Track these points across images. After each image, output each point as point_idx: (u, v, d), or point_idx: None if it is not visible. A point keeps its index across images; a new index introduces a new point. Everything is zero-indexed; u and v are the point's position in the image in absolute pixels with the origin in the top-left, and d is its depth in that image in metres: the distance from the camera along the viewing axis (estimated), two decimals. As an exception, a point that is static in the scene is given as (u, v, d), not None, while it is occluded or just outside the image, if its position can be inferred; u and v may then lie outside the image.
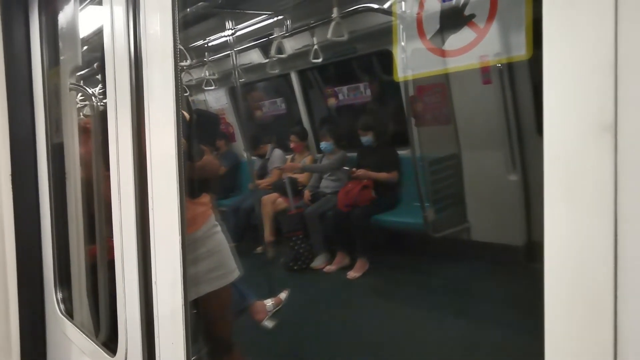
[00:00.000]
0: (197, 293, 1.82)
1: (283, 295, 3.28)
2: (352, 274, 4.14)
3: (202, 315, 1.90)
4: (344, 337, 3.09)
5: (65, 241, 1.98)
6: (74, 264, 1.98)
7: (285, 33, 4.73)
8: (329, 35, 4.00)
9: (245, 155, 6.06)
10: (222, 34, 4.94)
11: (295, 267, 4.48)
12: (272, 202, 5.00)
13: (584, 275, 0.54)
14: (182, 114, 1.18)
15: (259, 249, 4.83)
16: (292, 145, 5.38)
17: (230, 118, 6.62)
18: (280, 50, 4.87)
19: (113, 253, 1.49)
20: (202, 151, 2.00)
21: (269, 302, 3.15)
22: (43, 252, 2.02)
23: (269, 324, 3.05)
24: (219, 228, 1.99)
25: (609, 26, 0.49)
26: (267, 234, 4.85)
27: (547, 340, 0.57)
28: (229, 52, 5.10)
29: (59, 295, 1.96)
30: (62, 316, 1.92)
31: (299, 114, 5.76)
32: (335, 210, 4.50)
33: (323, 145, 4.97)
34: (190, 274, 1.74)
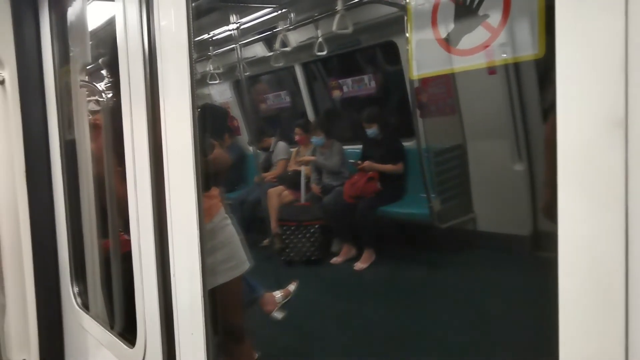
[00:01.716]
0: (210, 284, 1.86)
1: (292, 286, 3.32)
2: (359, 265, 4.18)
3: (215, 306, 1.94)
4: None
5: (80, 235, 2.02)
6: (89, 258, 2.02)
7: (290, 26, 4.73)
8: (333, 28, 3.99)
9: (250, 148, 6.08)
10: (227, 27, 4.94)
11: (283, 258, 4.51)
12: (277, 195, 5.03)
13: (596, 267, 0.56)
14: None
15: (266, 242, 4.87)
16: (296, 137, 5.40)
17: (235, 111, 6.63)
18: (284, 43, 4.87)
19: (126, 246, 1.52)
20: (212, 145, 2.04)
21: (278, 294, 3.19)
22: (58, 246, 2.06)
23: (278, 315, 3.09)
24: (229, 220, 2.04)
25: (620, 24, 0.51)
26: (274, 227, 4.88)
27: (561, 330, 0.59)
28: (233, 45, 5.10)
29: (75, 289, 2.00)
30: (79, 309, 1.96)
31: (304, 107, 5.77)
32: (342, 202, 4.53)
33: (314, 140, 5.02)
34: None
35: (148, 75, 1.32)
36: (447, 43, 0.74)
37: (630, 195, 0.53)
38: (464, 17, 0.71)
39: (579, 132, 0.56)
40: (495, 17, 0.68)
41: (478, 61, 0.75)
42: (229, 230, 2.02)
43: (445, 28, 0.74)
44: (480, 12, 0.71)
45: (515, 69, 3.39)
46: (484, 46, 0.70)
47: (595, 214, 0.56)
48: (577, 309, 0.58)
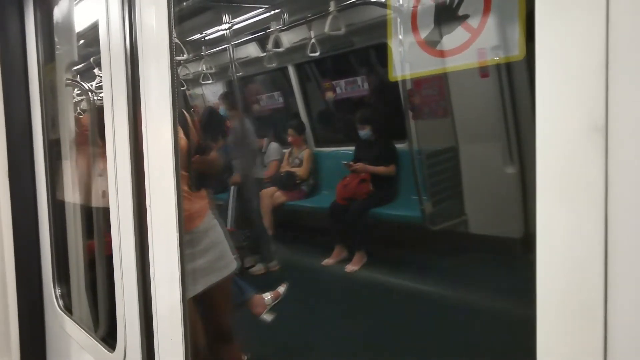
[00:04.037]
0: (205, 284, 1.87)
1: (281, 289, 3.30)
2: (350, 267, 4.16)
3: (208, 305, 1.95)
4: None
5: (63, 237, 1.99)
6: (72, 260, 1.99)
7: (282, 26, 4.71)
8: (326, 29, 3.98)
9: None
10: (219, 27, 4.92)
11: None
12: (270, 196, 5.01)
13: (575, 272, 0.55)
14: (185, 115, 1.18)
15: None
16: (289, 139, 5.38)
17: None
18: (277, 43, 4.85)
19: (111, 249, 1.50)
20: (210, 147, 2.05)
21: (267, 296, 3.17)
22: (41, 248, 2.03)
23: (267, 317, 3.06)
24: (216, 221, 2.05)
25: (601, 29, 0.50)
26: (267, 227, 4.86)
27: (538, 334, 0.59)
28: (226, 45, 5.08)
29: (58, 291, 1.96)
30: (61, 312, 1.93)
31: (297, 108, 5.75)
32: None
33: None
34: (198, 266, 1.77)
35: (130, 75, 1.29)
36: (427, 44, 0.73)
37: (609, 200, 0.52)
38: (444, 18, 0.70)
39: (559, 137, 0.55)
40: (475, 18, 0.67)
41: (459, 62, 0.73)
42: (218, 229, 2.04)
43: (425, 29, 0.73)
44: (460, 13, 0.70)
45: (507, 71, 3.39)
46: (464, 47, 0.68)
47: (575, 219, 0.55)
48: (556, 313, 0.57)
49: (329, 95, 5.43)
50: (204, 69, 5.95)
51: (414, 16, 0.74)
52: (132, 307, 1.32)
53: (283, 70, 5.67)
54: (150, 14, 1.21)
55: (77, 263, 1.97)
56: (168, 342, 1.20)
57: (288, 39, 4.97)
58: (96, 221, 1.82)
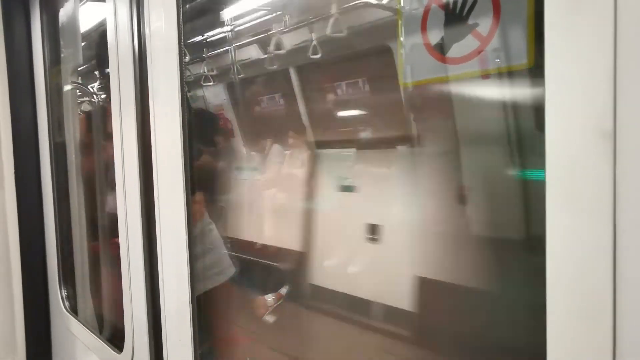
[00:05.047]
0: (197, 291, 1.85)
1: (284, 290, 3.30)
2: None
3: (202, 312, 1.92)
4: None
5: (69, 239, 1.99)
6: (78, 261, 1.99)
7: (284, 29, 4.72)
8: (327, 31, 3.99)
9: (243, 150, 6.04)
10: (221, 29, 4.92)
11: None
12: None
13: (584, 276, 0.55)
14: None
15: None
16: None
17: (229, 114, 6.60)
18: (278, 45, 4.86)
19: (116, 250, 1.50)
20: (200, 152, 2.03)
21: (269, 297, 3.17)
22: (47, 249, 2.03)
23: (269, 319, 3.06)
24: (213, 225, 2.03)
25: (609, 35, 0.51)
26: (267, 229, 4.86)
27: (548, 336, 0.59)
28: (227, 47, 5.08)
29: (64, 293, 1.97)
30: (67, 313, 1.93)
31: (298, 110, 5.75)
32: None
33: None
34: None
35: (138, 78, 1.30)
36: (436, 51, 0.73)
37: (618, 205, 0.53)
38: (454, 25, 0.71)
39: (567, 142, 0.55)
40: (484, 26, 0.68)
41: (467, 69, 0.74)
42: (214, 235, 2.02)
43: (435, 36, 0.74)
44: (470, 21, 0.71)
45: (509, 74, 3.39)
46: (473, 54, 0.69)
47: (583, 223, 0.55)
48: (565, 316, 0.58)
49: (330, 97, 5.43)
50: (205, 70, 5.95)
51: (423, 22, 0.75)
52: (140, 309, 1.33)
53: (284, 72, 5.67)
54: (159, 15, 1.22)
55: (82, 264, 1.98)
56: (177, 344, 1.21)
57: (290, 41, 4.97)
58: (101, 222, 1.83)
